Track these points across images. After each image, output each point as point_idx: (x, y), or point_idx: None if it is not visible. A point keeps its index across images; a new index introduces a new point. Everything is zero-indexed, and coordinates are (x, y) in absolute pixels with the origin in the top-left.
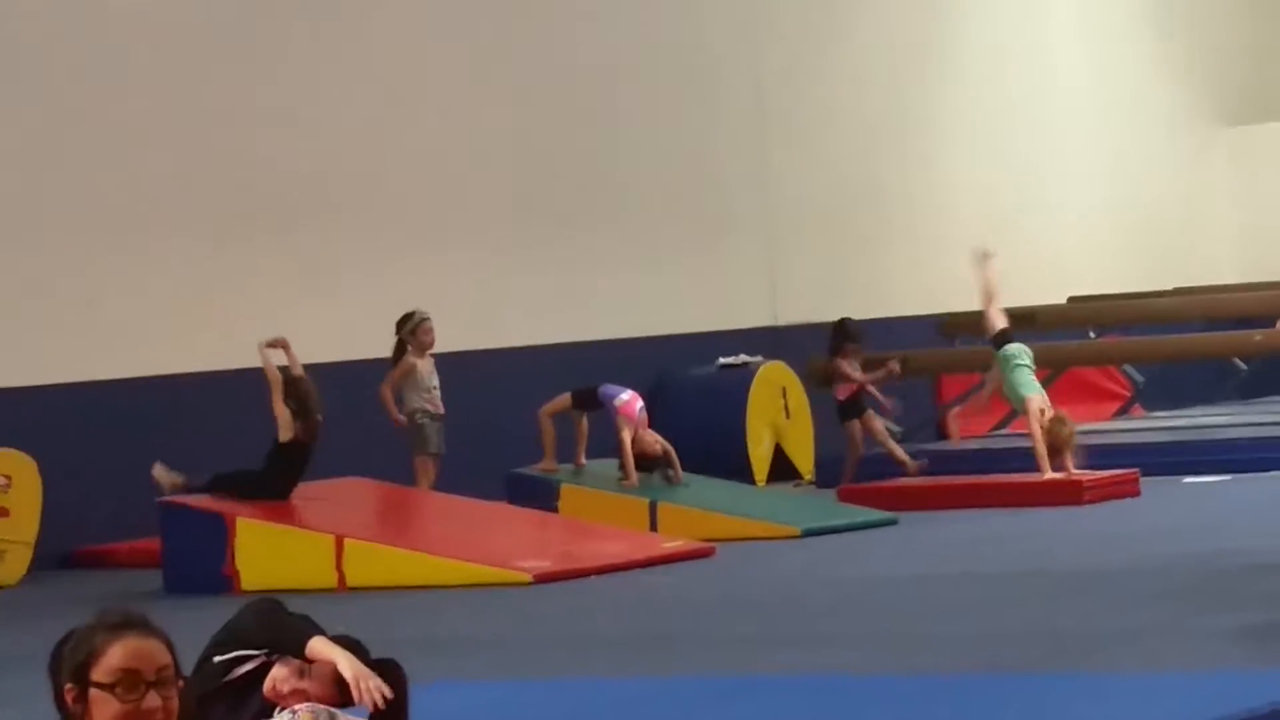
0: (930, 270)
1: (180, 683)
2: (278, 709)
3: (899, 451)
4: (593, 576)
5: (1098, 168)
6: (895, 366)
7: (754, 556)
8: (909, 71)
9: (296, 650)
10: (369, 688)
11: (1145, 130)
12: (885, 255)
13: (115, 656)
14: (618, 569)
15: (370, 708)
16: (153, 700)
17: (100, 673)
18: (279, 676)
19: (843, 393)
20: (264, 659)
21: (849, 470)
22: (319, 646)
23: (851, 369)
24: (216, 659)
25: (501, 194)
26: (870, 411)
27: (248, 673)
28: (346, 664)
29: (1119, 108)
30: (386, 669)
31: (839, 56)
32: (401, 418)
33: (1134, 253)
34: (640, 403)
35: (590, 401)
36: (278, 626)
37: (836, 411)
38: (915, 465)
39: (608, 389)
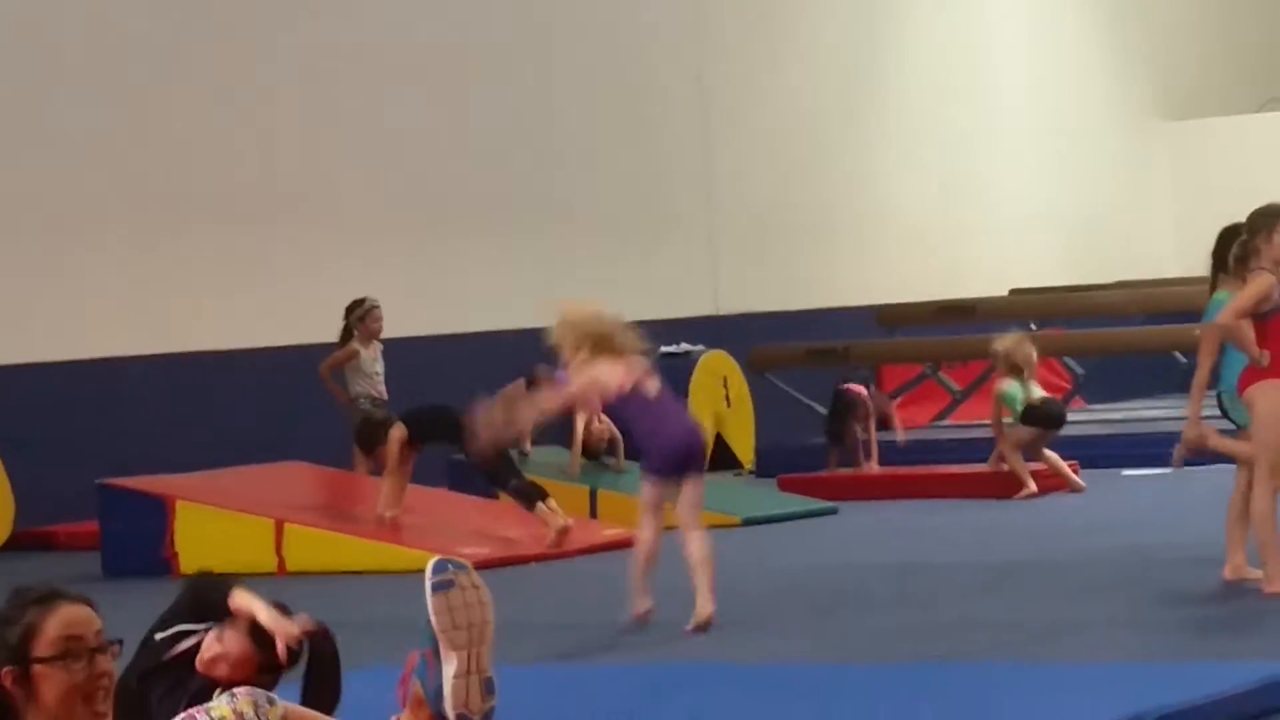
0: (871, 261)
1: (115, 648)
2: (217, 691)
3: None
4: (533, 564)
5: (1039, 162)
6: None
7: None
8: (852, 63)
9: (225, 613)
10: (284, 632)
11: (1086, 125)
12: (827, 246)
13: (54, 627)
14: (558, 556)
15: (283, 654)
16: (103, 663)
17: (42, 647)
18: (203, 646)
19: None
20: (203, 634)
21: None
22: (240, 598)
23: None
24: (158, 636)
25: (447, 184)
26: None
27: (187, 650)
28: (265, 613)
29: (1060, 103)
30: (317, 636)
31: (782, 49)
32: (349, 392)
33: (1075, 246)
34: None
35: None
36: (214, 598)
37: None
38: (875, 471)
39: (561, 376)
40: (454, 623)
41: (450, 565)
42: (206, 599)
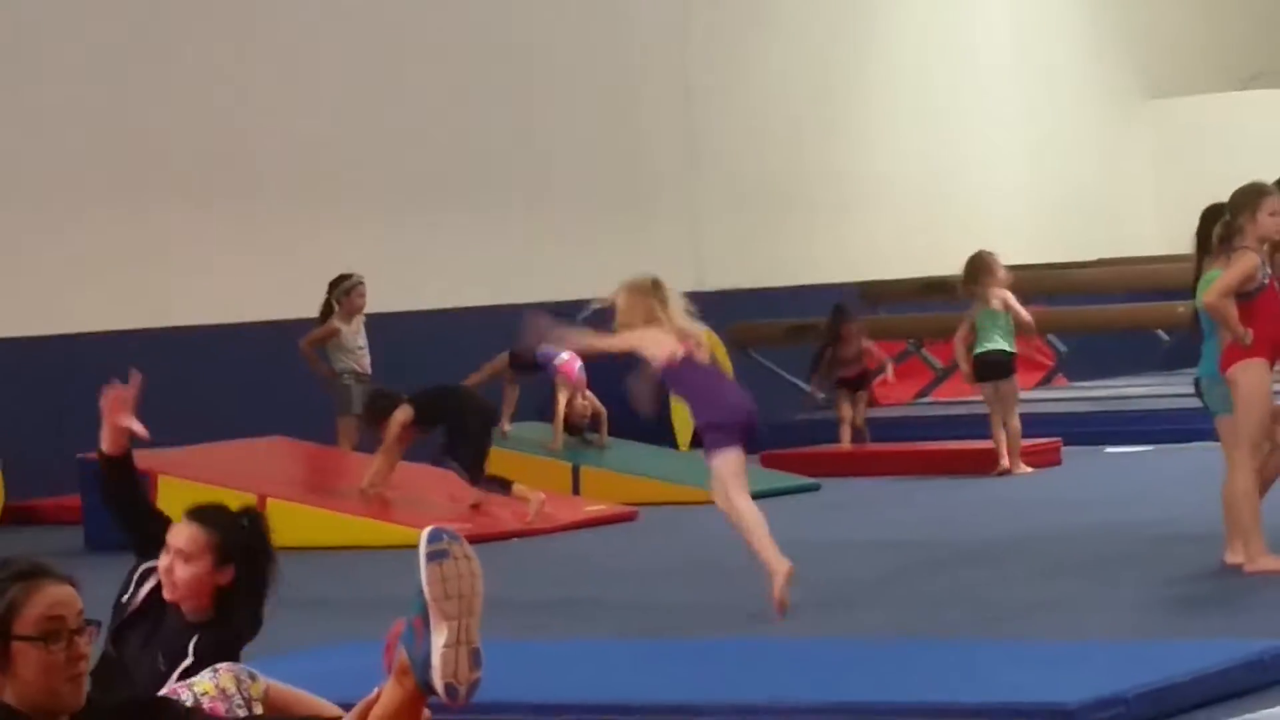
0: (854, 238)
1: (94, 629)
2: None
3: (860, 433)
4: (515, 539)
5: (1021, 139)
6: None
7: (677, 520)
8: (835, 41)
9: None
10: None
11: (1069, 102)
12: (810, 222)
13: (37, 606)
14: (540, 532)
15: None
16: (81, 645)
17: (23, 625)
18: (160, 571)
19: (839, 374)
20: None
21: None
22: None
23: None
24: (124, 598)
25: (430, 159)
26: (863, 394)
27: (152, 591)
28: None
29: (1043, 80)
30: (250, 512)
31: (766, 26)
32: (332, 367)
33: (1058, 223)
34: (579, 363)
35: (528, 364)
36: (161, 535)
37: (835, 386)
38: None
39: (547, 350)
40: (446, 592)
41: (445, 535)
42: (157, 538)
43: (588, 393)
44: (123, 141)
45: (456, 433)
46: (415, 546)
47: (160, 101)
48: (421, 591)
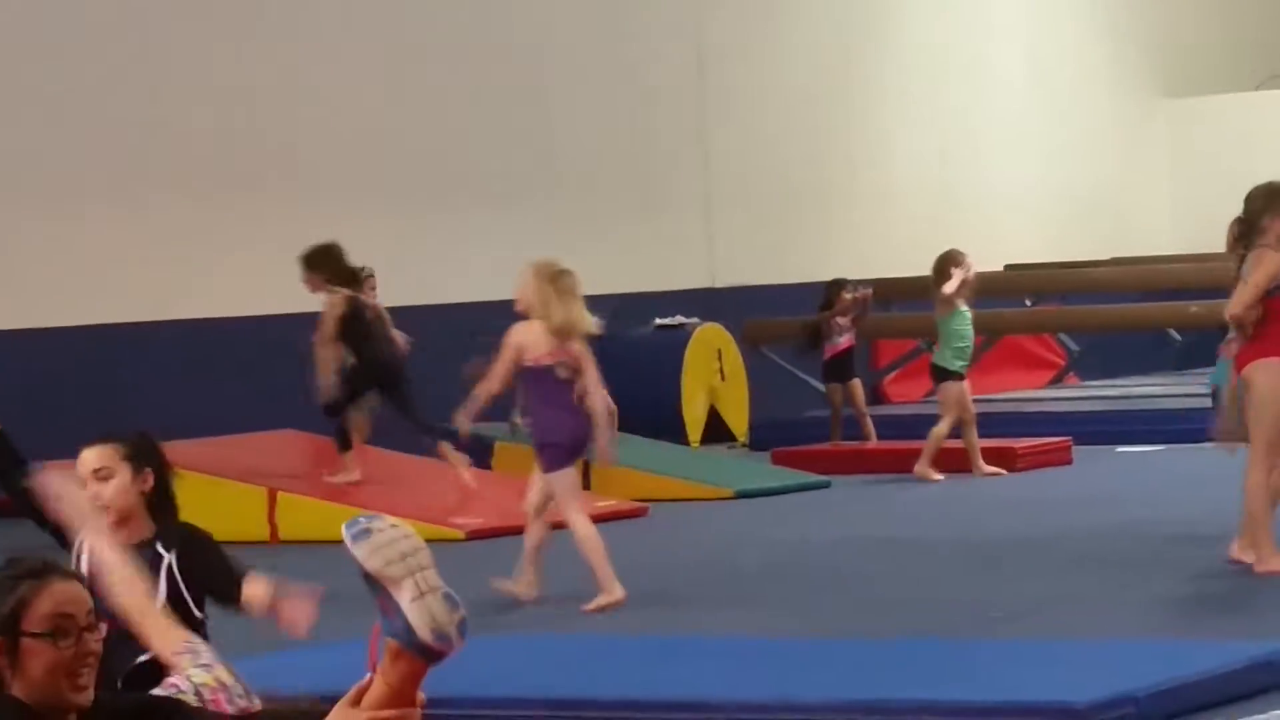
0: (867, 235)
1: (104, 626)
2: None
3: (868, 423)
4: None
5: (1036, 137)
6: (866, 292)
7: (687, 517)
8: (850, 37)
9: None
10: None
11: (1084, 100)
12: (823, 219)
13: (46, 603)
14: (551, 527)
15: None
16: (91, 644)
17: (33, 622)
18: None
19: (829, 352)
20: None
21: (835, 431)
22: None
23: (843, 325)
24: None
25: (440, 154)
26: (857, 380)
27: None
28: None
29: (1058, 78)
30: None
31: (781, 22)
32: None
33: (1071, 222)
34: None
35: None
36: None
37: (821, 371)
38: (874, 443)
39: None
40: (386, 560)
41: (361, 519)
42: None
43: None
44: (134, 136)
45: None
46: (428, 540)
47: (167, 95)
48: (367, 576)
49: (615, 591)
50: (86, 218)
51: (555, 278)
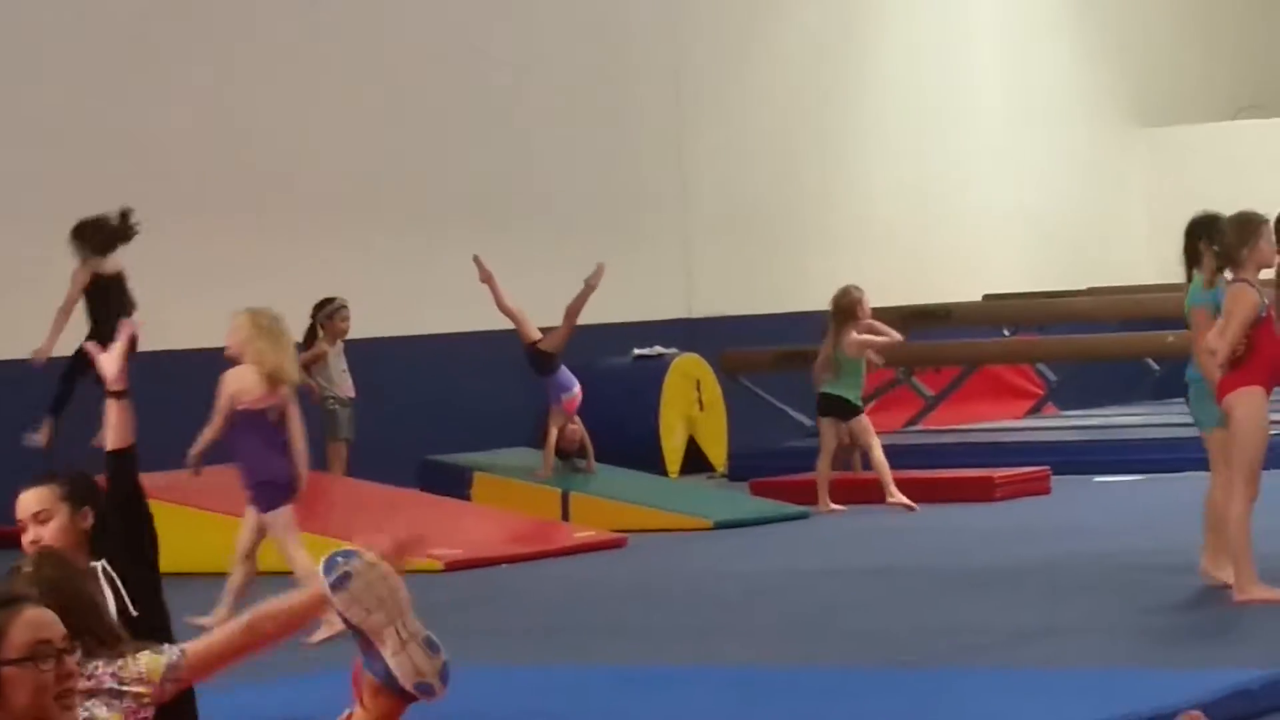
0: (845, 265)
1: (79, 650)
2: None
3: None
4: (504, 565)
5: (1014, 166)
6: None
7: (665, 548)
8: (827, 68)
9: None
10: None
11: (1062, 130)
12: (802, 249)
13: (23, 631)
14: (529, 558)
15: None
16: (70, 665)
17: (11, 650)
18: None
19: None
20: None
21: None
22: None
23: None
24: None
25: (418, 184)
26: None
27: None
28: None
29: (1036, 107)
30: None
31: (758, 52)
32: (320, 390)
33: (1049, 252)
34: (579, 398)
35: (546, 367)
36: None
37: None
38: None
39: (565, 376)
40: (367, 609)
41: (339, 558)
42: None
43: (576, 419)
44: (116, 165)
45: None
46: (406, 571)
47: (146, 124)
48: (347, 622)
49: (338, 623)
50: (59, 246)
51: (270, 325)
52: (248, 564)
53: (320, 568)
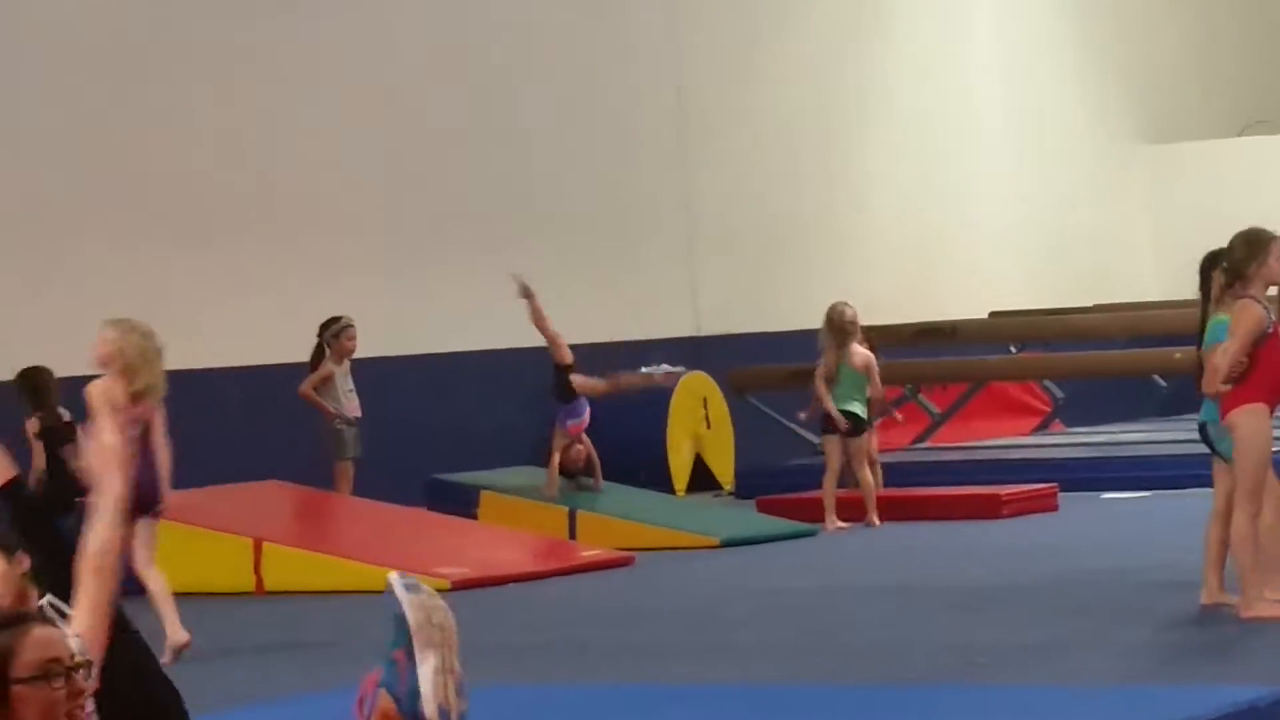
0: (850, 283)
1: (89, 667)
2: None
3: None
4: (511, 584)
5: (1019, 183)
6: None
7: (673, 566)
8: (831, 85)
9: None
10: None
11: (1067, 147)
12: (807, 267)
13: (33, 649)
14: (536, 577)
15: None
16: (80, 683)
17: (22, 669)
18: None
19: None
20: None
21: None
22: None
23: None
24: None
25: (421, 203)
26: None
27: None
28: None
29: (1040, 124)
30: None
31: (762, 69)
32: (332, 410)
33: (1055, 269)
34: (586, 422)
35: (567, 396)
36: None
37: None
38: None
39: (580, 405)
40: (430, 619)
41: (414, 579)
42: None
43: (584, 438)
44: (114, 184)
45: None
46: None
47: (151, 144)
48: (402, 623)
49: (179, 637)
50: (62, 266)
51: (140, 339)
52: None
53: (394, 577)
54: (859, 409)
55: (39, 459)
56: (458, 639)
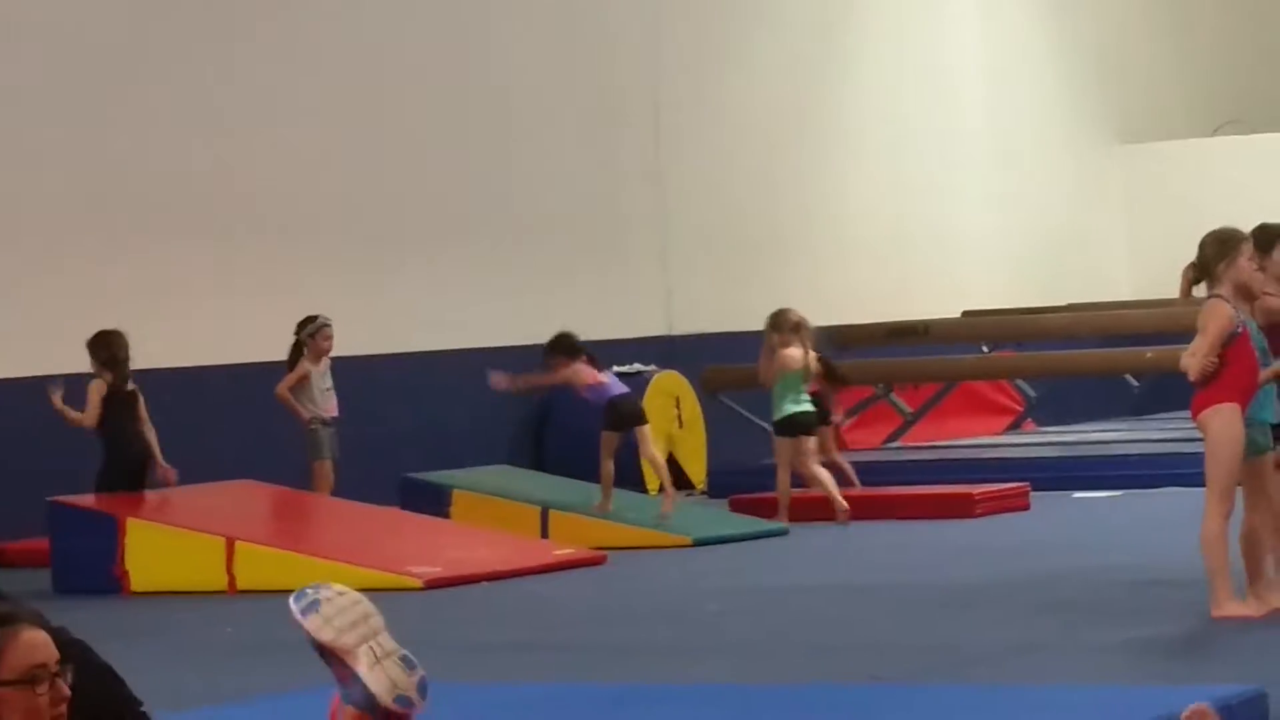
0: (824, 282)
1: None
2: None
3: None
4: (484, 583)
5: (993, 183)
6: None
7: (645, 565)
8: (807, 86)
9: None
10: None
11: (1040, 147)
12: (781, 266)
13: (21, 652)
14: (509, 576)
15: None
16: (63, 688)
17: (8, 671)
18: None
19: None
20: None
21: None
22: None
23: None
24: None
25: (399, 203)
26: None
27: None
28: None
29: (1015, 124)
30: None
31: (737, 71)
32: (305, 413)
33: (1028, 268)
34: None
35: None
36: None
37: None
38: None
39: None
40: (338, 630)
41: (308, 590)
42: None
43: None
44: (94, 185)
45: None
46: (386, 589)
47: (132, 144)
48: (319, 646)
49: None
50: (48, 265)
51: None
52: None
53: (290, 603)
54: (797, 409)
55: (91, 417)
56: (379, 619)
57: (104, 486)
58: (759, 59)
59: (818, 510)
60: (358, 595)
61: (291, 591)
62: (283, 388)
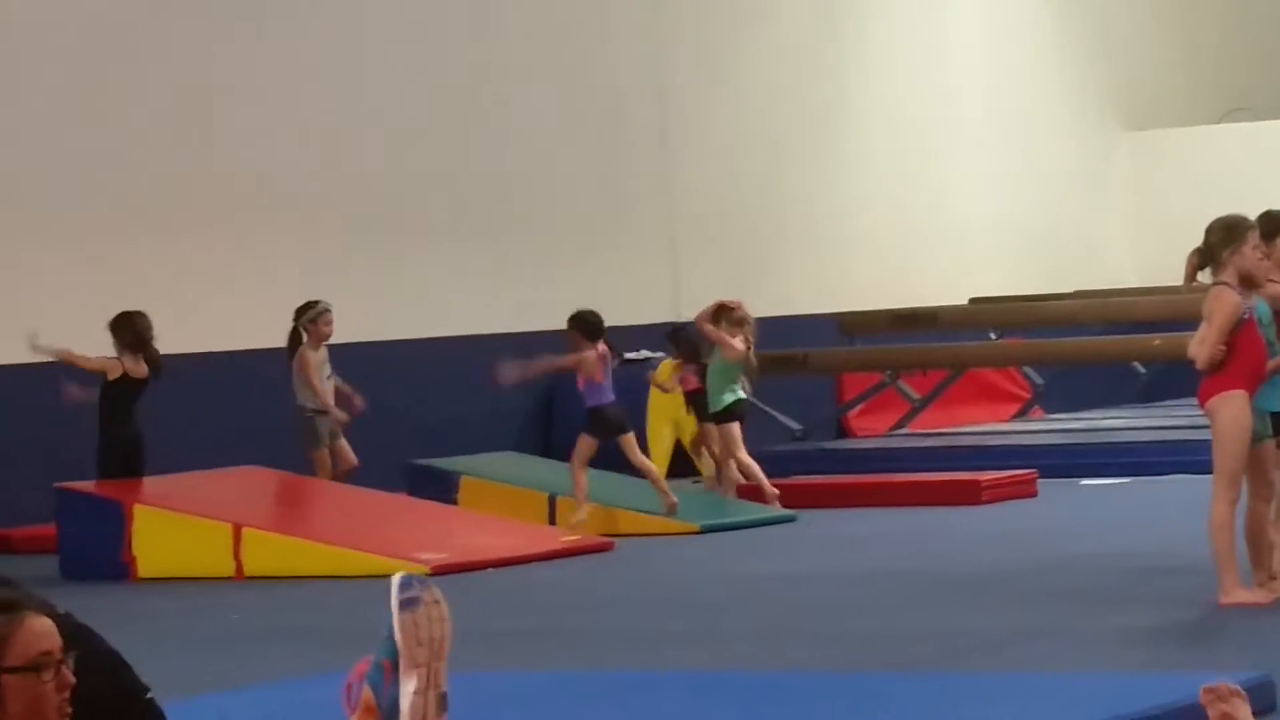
0: (832, 269)
1: (71, 659)
2: None
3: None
4: (490, 569)
5: (999, 170)
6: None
7: (652, 552)
8: (811, 72)
9: None
10: None
11: (1047, 134)
12: (788, 253)
13: (27, 639)
14: (515, 562)
15: None
16: (68, 675)
17: (14, 658)
18: None
19: (688, 384)
20: None
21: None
22: None
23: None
24: None
25: (404, 189)
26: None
27: None
28: None
29: (1021, 111)
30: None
31: (742, 57)
32: (319, 403)
33: (1035, 256)
34: None
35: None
36: None
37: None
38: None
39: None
40: (418, 639)
41: (415, 582)
42: None
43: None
44: (89, 174)
45: None
46: (388, 575)
47: (126, 132)
48: (392, 637)
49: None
50: (45, 256)
51: None
52: None
53: (395, 582)
54: (734, 399)
55: (101, 363)
56: (447, 646)
57: (103, 470)
58: (762, 49)
59: (822, 497)
60: (448, 614)
61: (300, 578)
62: (312, 374)
